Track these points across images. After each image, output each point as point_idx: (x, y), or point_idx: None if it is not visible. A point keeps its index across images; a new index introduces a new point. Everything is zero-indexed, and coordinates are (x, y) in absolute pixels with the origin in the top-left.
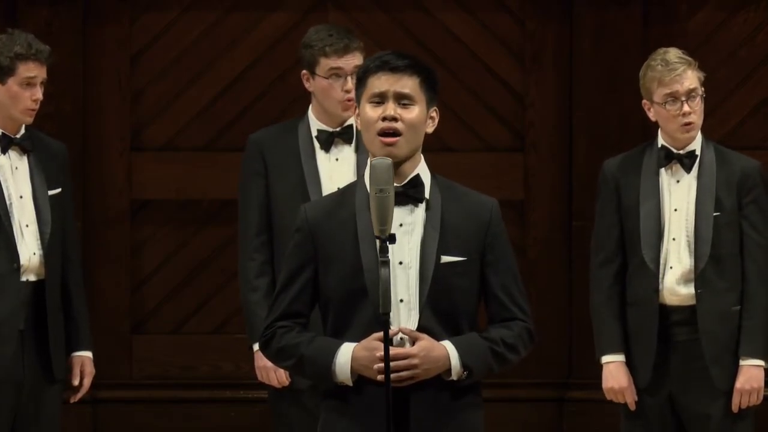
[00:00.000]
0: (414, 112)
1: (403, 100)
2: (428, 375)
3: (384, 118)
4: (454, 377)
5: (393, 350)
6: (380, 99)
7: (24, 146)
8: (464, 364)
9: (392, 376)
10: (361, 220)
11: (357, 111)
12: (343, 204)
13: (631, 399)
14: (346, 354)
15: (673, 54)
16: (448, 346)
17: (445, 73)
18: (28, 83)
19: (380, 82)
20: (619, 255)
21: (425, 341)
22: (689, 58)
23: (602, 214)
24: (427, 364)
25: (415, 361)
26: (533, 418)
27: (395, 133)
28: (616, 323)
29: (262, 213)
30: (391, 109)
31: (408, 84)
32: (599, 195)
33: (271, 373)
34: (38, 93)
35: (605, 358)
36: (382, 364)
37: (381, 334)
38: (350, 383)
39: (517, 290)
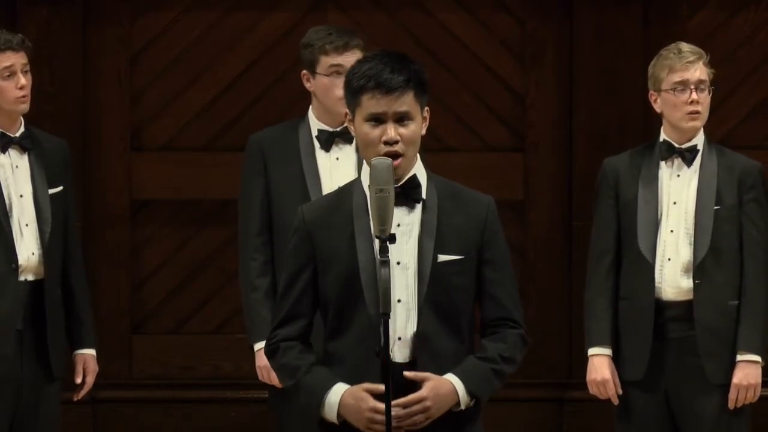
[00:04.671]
0: (412, 127)
1: (401, 117)
2: (440, 413)
3: (386, 142)
4: (462, 407)
5: (405, 399)
6: (378, 119)
7: (24, 145)
8: (471, 393)
9: (408, 422)
10: (358, 221)
11: (349, 118)
12: (341, 205)
13: (613, 392)
14: (336, 394)
15: (686, 45)
16: (453, 380)
17: (445, 73)
18: (9, 73)
19: (378, 104)
20: (614, 249)
21: (432, 381)
22: (702, 51)
23: (600, 211)
24: (439, 403)
25: (428, 403)
26: (533, 418)
27: (397, 155)
28: (608, 318)
29: (263, 212)
30: (392, 131)
31: (405, 101)
32: (598, 192)
33: (272, 372)
34: (22, 80)
35: (592, 351)
36: (371, 419)
37: (370, 385)
38: (337, 423)
39: (513, 288)
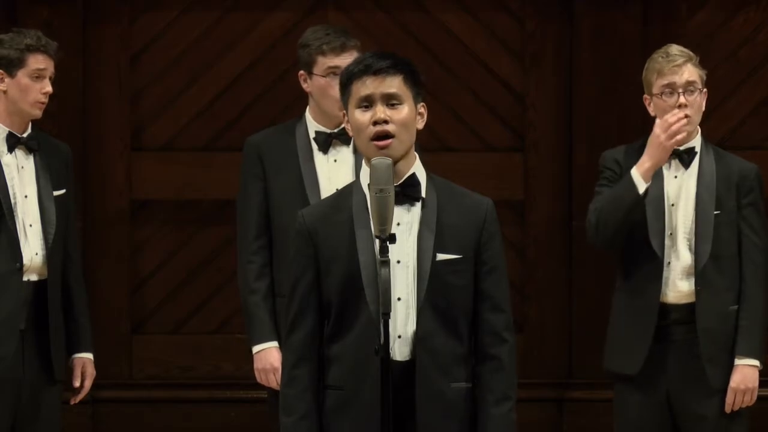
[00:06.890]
0: (403, 112)
1: (390, 100)
2: None
3: (375, 122)
4: None
5: None
6: (368, 103)
7: (30, 146)
8: None
9: None
10: (358, 221)
11: (346, 117)
12: (340, 206)
13: None
14: None
15: (675, 48)
16: None
17: (445, 74)
18: (38, 75)
19: (365, 87)
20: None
21: None
22: (691, 53)
23: (601, 192)
24: None
25: None
26: (533, 418)
27: (387, 136)
28: None
29: (261, 216)
30: (380, 111)
31: (393, 83)
32: (600, 176)
33: (271, 375)
34: (48, 86)
35: None
36: None
37: None
38: None
39: (506, 291)
